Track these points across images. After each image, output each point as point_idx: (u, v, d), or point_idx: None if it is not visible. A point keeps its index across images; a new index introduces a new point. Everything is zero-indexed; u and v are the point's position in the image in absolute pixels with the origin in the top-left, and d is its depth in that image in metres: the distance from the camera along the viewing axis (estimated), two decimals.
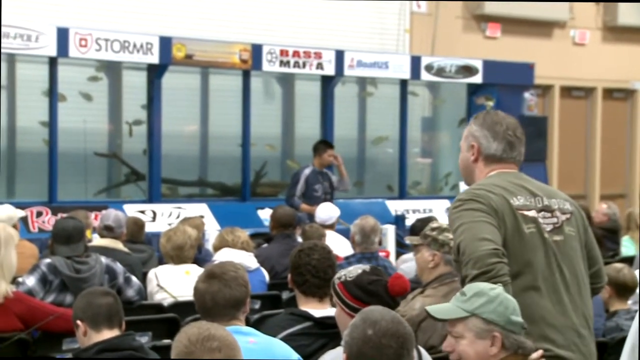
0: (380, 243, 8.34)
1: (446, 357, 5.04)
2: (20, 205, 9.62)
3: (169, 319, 6.17)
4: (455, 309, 3.52)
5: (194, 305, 4.60)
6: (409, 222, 12.31)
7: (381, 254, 8.09)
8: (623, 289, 5.62)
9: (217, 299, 4.11)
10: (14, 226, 7.31)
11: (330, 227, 9.22)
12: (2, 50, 10.93)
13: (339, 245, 8.60)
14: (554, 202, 4.05)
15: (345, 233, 8.99)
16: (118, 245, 7.47)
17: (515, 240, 3.85)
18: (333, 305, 4.76)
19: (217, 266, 4.31)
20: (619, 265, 5.97)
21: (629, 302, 5.83)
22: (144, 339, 5.62)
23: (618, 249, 9.93)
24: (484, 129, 4.21)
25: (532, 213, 3.92)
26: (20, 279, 5.99)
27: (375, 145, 14.11)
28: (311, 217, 10.10)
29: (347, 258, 7.45)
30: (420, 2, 14.96)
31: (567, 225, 4.01)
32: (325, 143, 11.55)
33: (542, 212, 3.96)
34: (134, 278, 6.71)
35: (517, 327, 3.45)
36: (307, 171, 11.21)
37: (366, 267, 4.53)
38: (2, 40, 10.76)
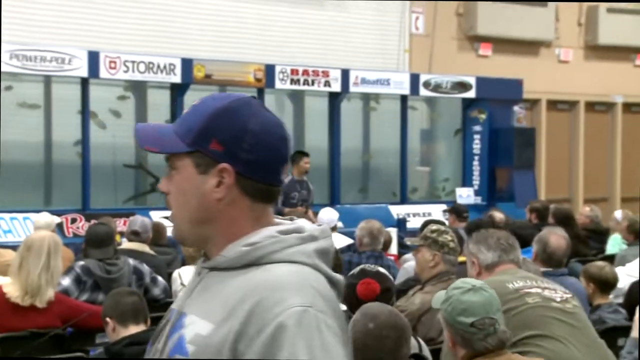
0: (388, 247, 8.34)
1: None
2: (56, 213, 9.63)
3: None
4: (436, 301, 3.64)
5: None
6: (410, 224, 12.35)
7: (390, 257, 8.08)
8: (605, 285, 5.62)
9: None
10: (52, 232, 7.33)
11: (333, 229, 9.20)
12: (39, 73, 10.99)
13: (341, 244, 8.57)
14: (556, 286, 4.11)
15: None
16: (145, 248, 7.45)
17: (527, 314, 3.90)
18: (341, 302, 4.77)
19: None
20: (601, 263, 5.96)
21: (610, 296, 5.82)
22: None
23: (602, 248, 9.91)
24: (478, 244, 4.29)
25: (534, 290, 3.99)
26: (58, 280, 6.01)
27: (355, 161, 14.03)
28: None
29: (360, 253, 7.46)
30: (418, 24, 14.94)
31: (572, 300, 4.07)
32: (301, 153, 11.37)
33: (546, 290, 4.03)
34: (159, 278, 6.72)
35: (464, 326, 3.44)
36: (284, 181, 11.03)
37: (358, 269, 4.54)
38: (39, 63, 10.81)
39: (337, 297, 1.89)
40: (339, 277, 1.91)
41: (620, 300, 5.98)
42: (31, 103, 11.62)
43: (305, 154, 11.30)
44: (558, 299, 3.94)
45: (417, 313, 5.17)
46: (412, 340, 4.24)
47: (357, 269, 4.54)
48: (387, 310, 3.24)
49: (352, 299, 4.28)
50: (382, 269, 4.59)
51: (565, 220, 9.36)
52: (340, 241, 8.65)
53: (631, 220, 9.23)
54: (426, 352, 4.37)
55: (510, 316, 3.78)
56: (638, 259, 6.86)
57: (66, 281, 5.93)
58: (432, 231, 5.46)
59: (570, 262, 7.32)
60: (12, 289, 5.38)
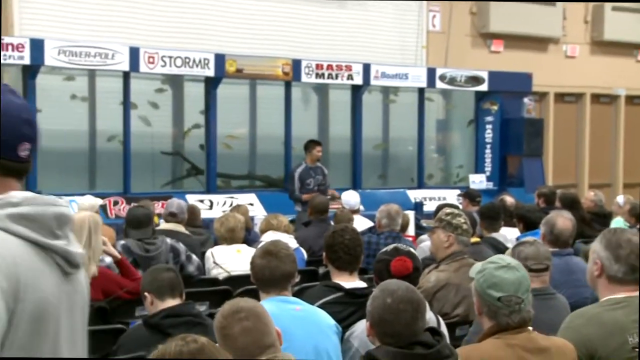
0: (405, 229, 8.31)
1: (457, 323, 5.05)
2: (99, 196, 9.70)
3: (224, 290, 6.18)
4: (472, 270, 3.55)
5: (245, 278, 4.59)
6: (426, 208, 12.31)
7: (408, 238, 8.05)
8: None
9: (274, 273, 4.10)
10: (96, 213, 7.36)
11: (356, 211, 9.19)
12: (84, 67, 11.03)
13: (363, 227, 8.58)
14: None
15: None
16: (180, 228, 7.47)
17: None
18: (361, 278, 4.77)
19: (271, 245, 4.30)
20: (593, 243, 5.88)
21: None
22: (202, 308, 5.64)
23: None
24: (608, 250, 3.65)
25: None
26: (100, 257, 6.03)
27: (375, 149, 13.99)
28: (305, 204, 9.99)
29: (372, 230, 7.46)
30: (434, 22, 14.88)
31: None
32: (313, 142, 11.38)
33: None
34: (194, 256, 6.74)
35: (491, 299, 3.40)
36: (299, 169, 11.01)
37: (391, 247, 4.54)
38: (84, 58, 10.84)
39: (38, 256, 1.97)
40: (50, 242, 1.99)
41: None
42: (78, 95, 11.67)
43: (318, 143, 11.31)
44: None
45: (432, 290, 5.16)
46: (431, 315, 4.25)
47: (390, 247, 4.53)
48: (404, 286, 3.23)
49: (384, 274, 4.28)
50: (412, 249, 4.59)
51: (571, 204, 9.31)
52: (362, 224, 8.66)
53: (632, 204, 9.17)
54: (443, 327, 4.37)
55: None
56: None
57: (108, 259, 5.95)
58: (447, 214, 5.45)
59: (576, 243, 7.28)
60: None
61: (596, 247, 3.70)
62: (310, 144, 11.24)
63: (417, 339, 3.09)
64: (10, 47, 10.29)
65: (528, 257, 4.49)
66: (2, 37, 10.36)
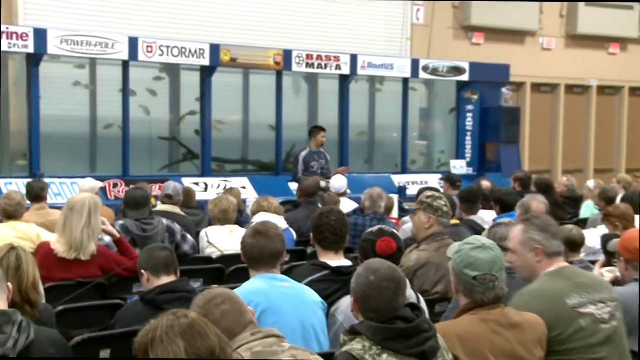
0: (390, 212, 8.31)
1: (437, 299, 5.07)
2: (100, 178, 9.71)
3: (217, 268, 6.19)
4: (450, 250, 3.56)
5: (237, 257, 4.58)
6: (409, 192, 12.32)
7: (392, 220, 8.05)
8: (573, 245, 5.58)
9: (263, 252, 4.10)
10: (96, 195, 7.34)
11: (343, 194, 9.19)
12: (85, 56, 10.97)
13: (349, 209, 8.57)
14: (604, 293, 3.72)
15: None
16: (176, 210, 7.46)
17: (576, 339, 3.57)
18: (347, 257, 4.77)
19: (261, 225, 4.29)
20: (570, 226, 5.91)
21: (582, 255, 5.80)
22: (196, 285, 5.65)
23: (577, 212, 9.89)
24: (544, 232, 3.82)
25: (588, 310, 3.62)
26: (99, 236, 6.01)
27: (361, 136, 13.97)
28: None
29: (356, 212, 7.46)
30: (419, 15, 14.85)
31: (617, 309, 3.73)
32: (318, 127, 11.36)
33: (599, 304, 3.65)
34: (189, 236, 6.73)
35: (467, 278, 3.41)
36: (303, 153, 10.98)
37: (376, 228, 4.54)
38: (85, 47, 10.78)
39: None
40: None
41: (592, 258, 5.96)
42: (80, 83, 11.62)
43: (322, 129, 11.29)
44: (607, 317, 3.63)
45: (413, 268, 5.18)
46: (411, 292, 4.26)
47: (375, 228, 4.54)
48: (386, 265, 3.23)
49: (369, 253, 4.29)
50: (396, 231, 4.60)
51: (546, 188, 9.35)
52: (348, 206, 8.66)
53: (602, 188, 9.20)
54: (422, 303, 4.38)
55: (558, 340, 3.55)
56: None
57: (108, 238, 5.94)
58: (428, 197, 5.46)
59: None
60: (58, 245, 5.39)
61: (531, 235, 3.80)
62: (314, 130, 11.22)
63: (398, 314, 3.10)
64: (14, 36, 10.24)
65: (503, 238, 4.50)
66: (7, 26, 10.33)
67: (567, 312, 3.60)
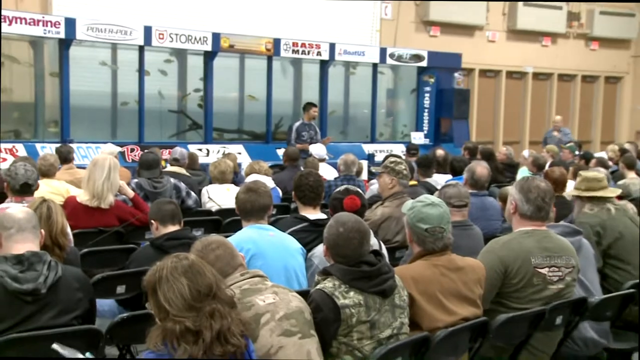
0: (360, 174, 8.31)
1: (397, 247, 5.08)
2: (119, 144, 9.66)
3: (215, 220, 6.17)
4: (404, 207, 3.54)
5: (232, 211, 4.56)
6: (377, 158, 12.33)
7: (362, 181, 8.04)
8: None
9: (254, 205, 4.09)
10: (115, 157, 7.29)
11: (322, 160, 9.17)
12: (108, 41, 10.84)
13: (328, 172, 8.58)
14: (563, 259, 3.65)
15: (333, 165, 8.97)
16: (182, 171, 7.45)
17: (525, 291, 3.56)
18: (323, 211, 4.77)
19: (253, 184, 4.27)
20: (509, 187, 5.92)
21: None
22: (198, 233, 5.63)
23: (514, 177, 9.92)
24: (521, 193, 3.72)
25: (544, 270, 3.58)
26: (117, 194, 5.98)
27: (334, 112, 13.86)
28: (304, 152, 9.96)
29: (335, 179, 7.45)
30: (386, 10, 14.75)
31: (571, 274, 3.67)
32: (310, 103, 11.31)
33: (553, 268, 3.60)
34: (192, 193, 6.70)
35: (420, 230, 3.39)
36: (297, 124, 10.94)
37: (342, 188, 4.53)
38: (107, 34, 10.65)
39: None
40: None
41: None
42: (103, 63, 11.49)
43: (314, 105, 11.26)
44: (555, 279, 3.60)
45: (378, 221, 5.19)
46: (375, 241, 4.26)
47: (342, 187, 4.52)
48: (353, 218, 3.22)
49: (338, 209, 4.28)
50: (360, 190, 4.59)
51: (489, 156, 9.37)
52: (328, 171, 8.66)
53: (535, 157, 9.24)
54: (384, 250, 4.39)
55: (513, 286, 3.55)
56: None
57: (124, 197, 5.91)
58: (391, 162, 5.45)
59: (491, 187, 7.34)
60: (83, 195, 5.36)
61: (512, 190, 3.79)
62: (307, 105, 11.16)
63: (363, 259, 3.10)
64: (49, 24, 10.17)
65: (452, 197, 4.52)
66: (43, 15, 10.21)
67: (527, 267, 3.58)
